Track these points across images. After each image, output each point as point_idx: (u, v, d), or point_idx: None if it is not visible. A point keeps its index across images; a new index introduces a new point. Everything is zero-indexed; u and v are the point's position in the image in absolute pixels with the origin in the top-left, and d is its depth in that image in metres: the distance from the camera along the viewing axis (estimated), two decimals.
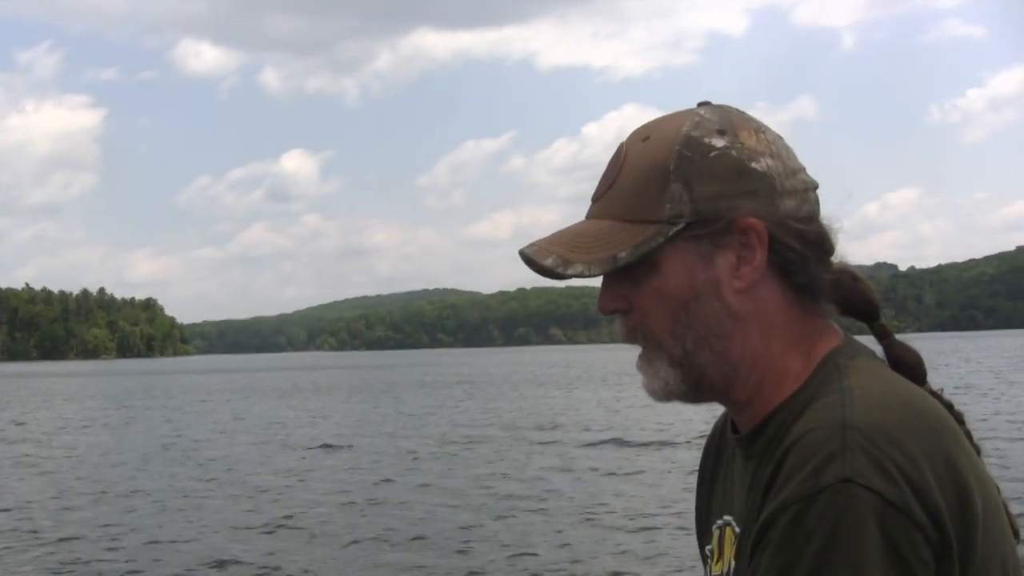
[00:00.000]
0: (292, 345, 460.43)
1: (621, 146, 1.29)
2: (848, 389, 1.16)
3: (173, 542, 12.60)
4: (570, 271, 1.23)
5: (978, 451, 1.22)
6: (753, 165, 1.21)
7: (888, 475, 1.06)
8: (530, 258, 1.25)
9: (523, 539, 12.07)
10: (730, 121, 1.24)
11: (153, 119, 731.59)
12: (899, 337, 1.31)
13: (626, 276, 1.25)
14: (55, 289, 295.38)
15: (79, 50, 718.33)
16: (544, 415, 30.73)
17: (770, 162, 1.22)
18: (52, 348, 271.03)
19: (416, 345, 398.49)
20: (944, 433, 1.14)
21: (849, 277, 1.28)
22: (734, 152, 1.21)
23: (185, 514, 14.61)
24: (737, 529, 1.27)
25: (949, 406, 1.24)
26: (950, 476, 1.10)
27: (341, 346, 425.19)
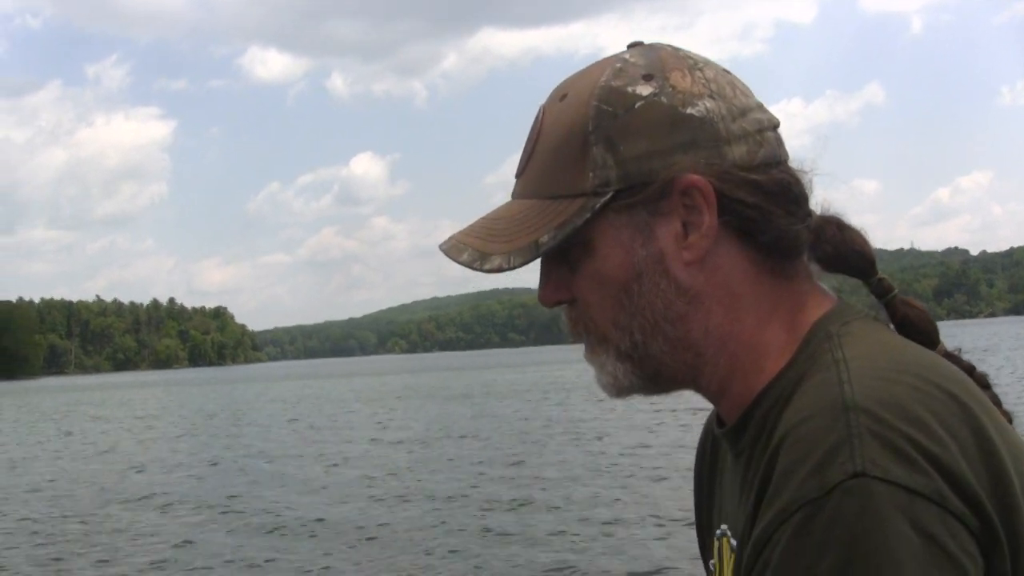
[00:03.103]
0: (363, 349, 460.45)
1: (540, 109, 1.11)
2: (843, 361, 0.97)
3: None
4: (487, 266, 1.06)
5: (1009, 419, 1.04)
6: (688, 111, 1.02)
7: (909, 460, 0.88)
8: (448, 255, 1.10)
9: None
10: (659, 61, 1.06)
11: (222, 128, 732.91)
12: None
13: (563, 261, 1.09)
14: (126, 300, 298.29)
15: (147, 61, 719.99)
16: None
17: (710, 104, 1.03)
18: (124, 360, 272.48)
19: (487, 345, 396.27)
20: (969, 402, 0.95)
21: (834, 226, 1.09)
22: (664, 99, 1.03)
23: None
24: (733, 542, 1.09)
25: (970, 368, 1.07)
26: (982, 453, 0.92)
27: (412, 348, 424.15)
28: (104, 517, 15.35)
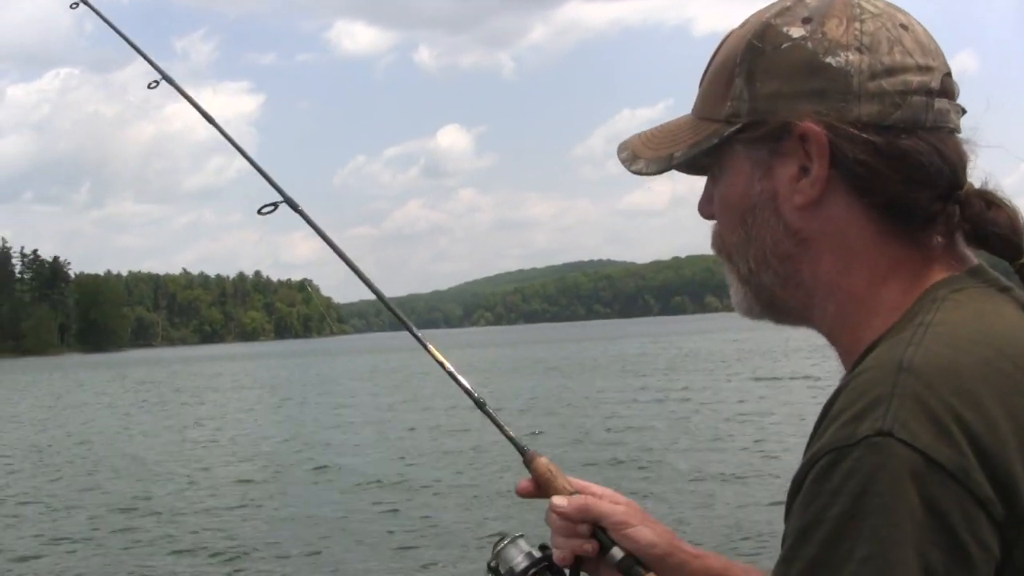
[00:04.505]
0: (448, 322, 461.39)
1: (729, 31, 1.15)
2: (925, 324, 0.97)
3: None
4: (633, 167, 1.16)
5: None
6: (827, 60, 1.03)
7: (943, 430, 0.86)
8: (617, 150, 1.20)
9: None
10: (828, 7, 1.06)
11: (310, 101, 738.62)
12: None
13: (712, 178, 1.15)
14: (212, 273, 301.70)
15: (236, 35, 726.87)
16: None
17: (852, 56, 1.02)
18: (211, 332, 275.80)
19: (572, 317, 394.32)
20: None
21: (981, 203, 1.04)
22: (809, 44, 1.04)
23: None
24: None
25: None
26: None
27: (497, 321, 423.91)
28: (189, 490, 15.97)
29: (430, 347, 1.61)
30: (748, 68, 1.07)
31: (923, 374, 0.89)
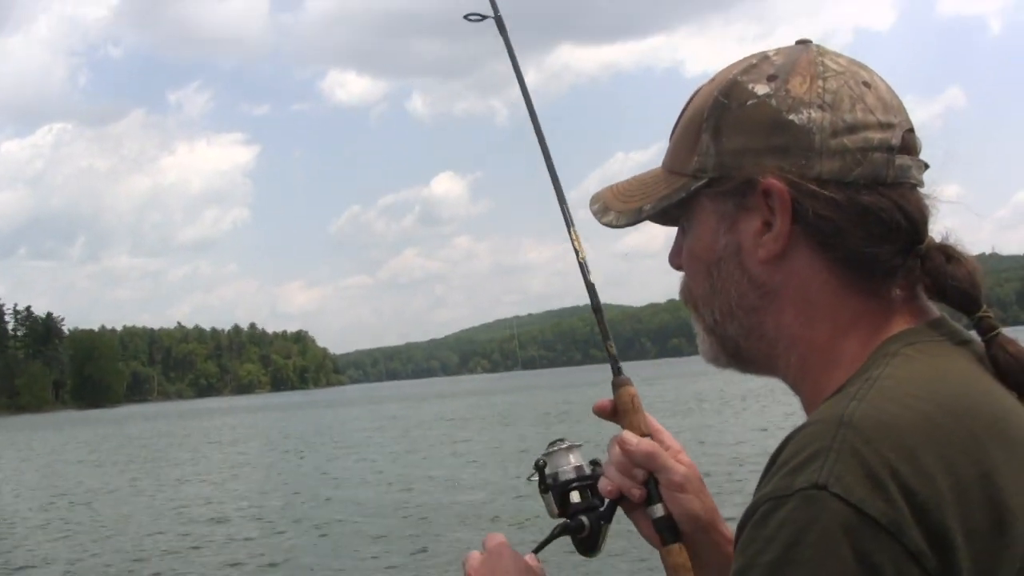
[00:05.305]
0: (445, 370, 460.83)
1: (699, 87, 1.18)
2: (872, 379, 0.99)
3: None
4: (603, 219, 1.20)
5: None
6: (791, 117, 1.06)
7: (878, 485, 0.89)
8: (589, 202, 1.24)
9: None
10: (791, 64, 1.09)
11: (304, 151, 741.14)
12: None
13: (683, 231, 1.19)
14: (208, 326, 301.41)
15: (229, 87, 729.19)
16: None
17: (814, 114, 1.05)
18: (207, 386, 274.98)
19: (569, 363, 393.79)
20: (992, 444, 0.94)
21: (941, 256, 1.07)
22: (773, 102, 1.07)
23: None
24: None
25: None
26: (984, 497, 0.91)
27: (494, 368, 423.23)
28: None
29: (573, 231, 1.56)
30: (714, 124, 1.09)
31: (863, 429, 0.92)
